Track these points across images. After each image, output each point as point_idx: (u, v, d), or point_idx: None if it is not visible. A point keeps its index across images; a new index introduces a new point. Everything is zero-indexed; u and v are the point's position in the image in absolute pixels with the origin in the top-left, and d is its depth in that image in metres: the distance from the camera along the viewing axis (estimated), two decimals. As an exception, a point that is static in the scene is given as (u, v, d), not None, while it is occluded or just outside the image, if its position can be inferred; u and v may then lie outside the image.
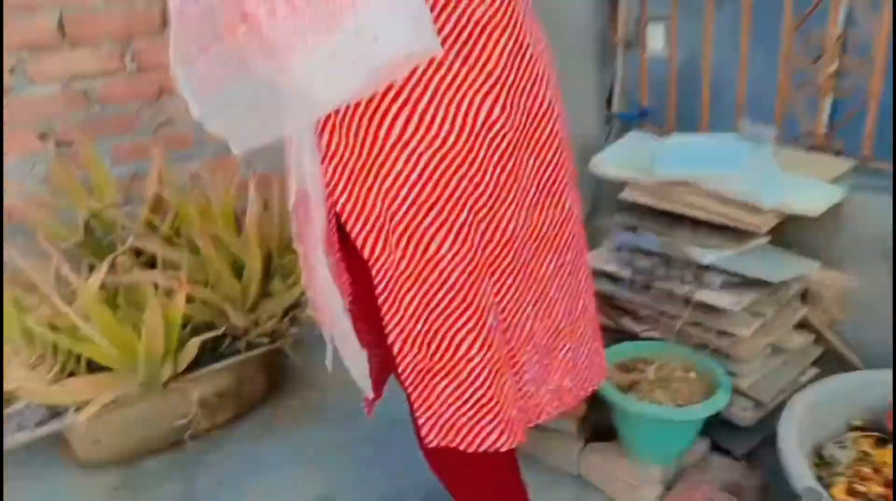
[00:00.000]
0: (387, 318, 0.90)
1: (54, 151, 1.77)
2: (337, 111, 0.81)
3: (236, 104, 0.80)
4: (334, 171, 0.84)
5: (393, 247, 0.85)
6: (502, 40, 0.82)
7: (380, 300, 0.89)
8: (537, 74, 0.88)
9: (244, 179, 1.96)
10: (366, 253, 0.86)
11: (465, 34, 0.79)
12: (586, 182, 1.96)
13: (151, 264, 1.73)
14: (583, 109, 1.91)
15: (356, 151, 0.82)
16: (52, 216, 1.76)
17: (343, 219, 0.86)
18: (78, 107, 1.81)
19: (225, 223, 1.74)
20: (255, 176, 1.89)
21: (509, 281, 0.91)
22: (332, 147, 0.83)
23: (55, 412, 1.47)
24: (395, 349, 0.91)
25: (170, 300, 1.49)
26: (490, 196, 0.85)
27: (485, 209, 0.85)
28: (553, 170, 0.93)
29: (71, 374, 1.48)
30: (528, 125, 0.89)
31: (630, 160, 1.55)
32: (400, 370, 0.92)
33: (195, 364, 1.58)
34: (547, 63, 0.91)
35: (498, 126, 0.83)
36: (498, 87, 0.82)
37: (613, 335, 1.51)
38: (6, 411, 1.45)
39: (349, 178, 0.84)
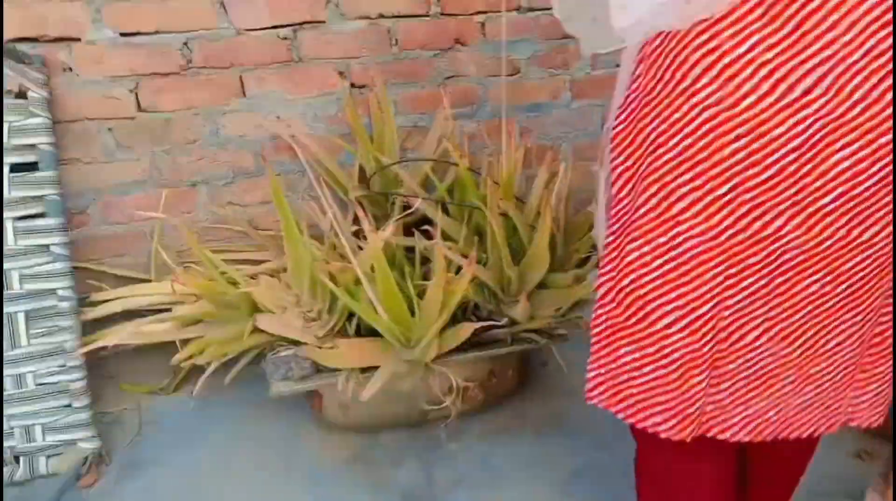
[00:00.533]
0: (604, 261, 0.86)
1: (347, 93, 1.68)
2: (651, 41, 0.78)
3: (586, 11, 0.80)
4: (626, 99, 0.82)
5: (638, 192, 0.80)
6: (866, 4, 0.67)
7: (606, 240, 0.86)
8: None
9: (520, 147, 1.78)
10: (614, 190, 0.84)
11: None
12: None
13: (419, 225, 1.60)
14: None
15: (650, 84, 0.78)
16: (334, 160, 1.69)
17: (612, 146, 0.84)
18: (377, 48, 1.70)
19: (507, 196, 1.55)
20: (552, 150, 1.69)
21: (746, 282, 0.78)
22: (636, 73, 0.81)
23: (319, 368, 1.39)
24: (599, 294, 0.87)
25: (454, 276, 1.33)
26: (764, 182, 0.73)
27: (752, 194, 0.73)
28: (876, 179, 0.73)
29: (340, 332, 1.39)
30: (864, 120, 0.70)
31: None
32: (594, 317, 0.89)
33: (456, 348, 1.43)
34: None
35: (812, 108, 0.69)
36: (832, 62, 0.68)
37: None
38: (275, 354, 1.39)
39: (631, 112, 0.81)
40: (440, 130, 1.74)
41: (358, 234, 1.61)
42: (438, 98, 1.78)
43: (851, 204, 0.74)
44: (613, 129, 0.83)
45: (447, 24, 1.73)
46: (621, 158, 0.82)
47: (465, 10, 1.73)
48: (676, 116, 0.74)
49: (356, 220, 1.65)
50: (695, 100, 0.73)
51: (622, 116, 0.82)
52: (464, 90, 1.82)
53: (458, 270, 1.39)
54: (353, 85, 1.71)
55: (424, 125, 1.79)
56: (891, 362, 0.89)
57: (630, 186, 0.82)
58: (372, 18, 1.66)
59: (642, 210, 0.80)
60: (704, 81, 0.72)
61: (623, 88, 0.83)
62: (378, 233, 1.36)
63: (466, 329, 1.36)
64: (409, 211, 1.42)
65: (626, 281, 0.83)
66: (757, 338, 0.81)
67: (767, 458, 1.06)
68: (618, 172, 0.83)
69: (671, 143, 0.75)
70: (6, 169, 1.42)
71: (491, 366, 1.53)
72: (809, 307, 0.80)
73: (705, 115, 0.72)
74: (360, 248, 1.48)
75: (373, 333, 1.39)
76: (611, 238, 0.85)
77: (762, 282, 0.78)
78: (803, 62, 0.68)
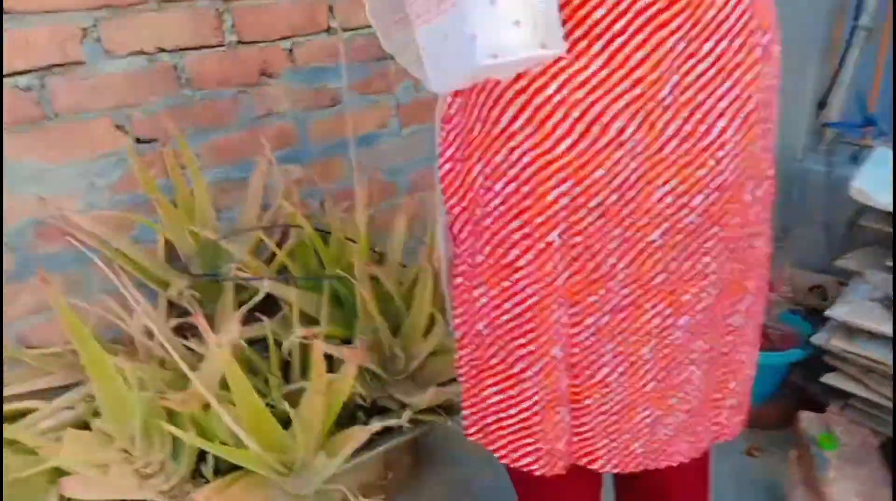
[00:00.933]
0: (455, 303, 0.84)
1: (133, 150, 1.29)
2: None
3: (413, 50, 0.70)
4: (447, 135, 0.77)
5: (475, 237, 0.78)
6: (669, 41, 0.65)
7: (455, 281, 0.84)
8: (719, 90, 0.69)
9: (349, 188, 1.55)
10: (454, 230, 0.81)
11: (616, 26, 0.64)
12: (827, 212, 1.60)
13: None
14: (787, 112, 1.60)
15: (469, 121, 0.73)
16: (128, 240, 1.29)
17: (443, 186, 0.79)
18: (163, 91, 1.32)
19: (367, 254, 1.29)
20: (410, 198, 1.46)
21: (590, 320, 0.78)
22: (452, 110, 0.76)
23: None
24: (457, 335, 0.86)
25: (334, 376, 1.04)
26: (591, 224, 0.72)
27: (581, 237, 0.73)
28: (699, 212, 0.74)
29: (193, 476, 1.03)
30: (678, 155, 0.70)
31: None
32: (457, 358, 0.88)
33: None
34: (755, 73, 0.70)
35: (628, 147, 0.68)
36: (642, 101, 0.66)
37: (886, 418, 1.27)
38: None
39: (456, 149, 0.76)
40: (262, 182, 1.42)
41: (180, 331, 1.24)
42: (249, 143, 1.46)
43: (679, 237, 0.73)
44: (440, 166, 0.79)
45: (248, 53, 1.41)
46: (455, 199, 0.79)
47: (267, 36, 1.43)
48: (497, 159, 0.71)
49: (170, 309, 1.29)
50: (512, 144, 0.69)
51: (447, 153, 0.78)
52: (279, 130, 1.51)
53: (329, 358, 1.11)
54: (138, 140, 1.32)
55: (239, 178, 1.46)
56: (740, 374, 0.90)
57: (469, 228, 0.79)
58: (149, 53, 1.29)
59: (481, 256, 0.77)
60: (519, 123, 0.68)
61: (440, 121, 0.78)
62: (221, 335, 1.02)
63: (359, 435, 1.08)
64: (256, 298, 1.10)
65: (480, 325, 0.81)
66: (608, 375, 0.82)
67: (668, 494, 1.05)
68: (454, 214, 0.79)
69: (497, 188, 0.72)
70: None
71: (385, 459, 1.26)
72: (654, 342, 0.80)
73: (525, 160, 0.69)
74: (191, 351, 1.13)
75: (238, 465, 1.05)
76: (459, 279, 0.82)
77: (605, 319, 0.78)
78: (615, 101, 0.66)
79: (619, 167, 0.69)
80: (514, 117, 0.68)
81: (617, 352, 0.81)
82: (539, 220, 0.71)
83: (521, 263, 0.74)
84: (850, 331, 1.35)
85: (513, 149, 0.69)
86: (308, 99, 1.53)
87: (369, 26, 1.56)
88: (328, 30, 1.51)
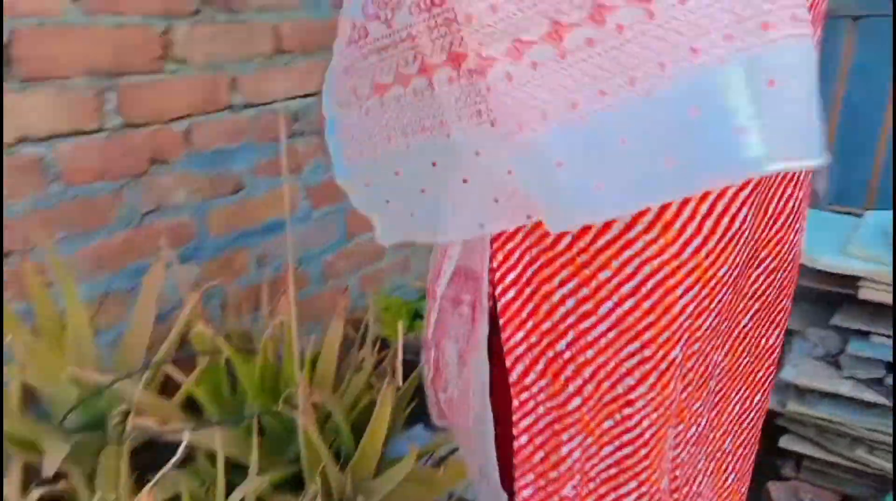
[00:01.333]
0: (523, 468, 0.68)
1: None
2: None
3: (394, 179, 0.60)
4: (506, 255, 0.63)
5: (561, 377, 0.65)
6: None
7: (521, 440, 0.68)
8: None
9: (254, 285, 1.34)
10: (514, 375, 0.66)
11: None
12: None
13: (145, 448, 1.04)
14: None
15: (548, 238, 0.61)
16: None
17: (502, 322, 0.65)
18: (27, 187, 1.05)
19: (306, 377, 1.07)
20: (341, 295, 1.25)
21: (692, 431, 0.70)
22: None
23: None
24: None
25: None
26: (709, 326, 0.63)
27: (698, 345, 0.63)
28: (777, 286, 0.73)
29: None
30: (776, 234, 0.69)
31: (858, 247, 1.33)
32: None
33: None
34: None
35: (746, 236, 0.61)
36: (766, 183, 0.62)
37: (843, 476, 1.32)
38: None
39: (523, 271, 0.63)
40: (155, 291, 1.17)
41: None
42: (137, 244, 1.21)
43: (763, 314, 0.73)
44: (499, 297, 0.64)
45: (135, 138, 1.17)
46: (521, 335, 0.64)
47: (160, 117, 1.20)
48: (605, 275, 0.59)
49: (27, 476, 1.00)
50: (629, 253, 0.59)
51: (508, 277, 0.63)
52: (173, 226, 1.27)
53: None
54: (-10, 253, 1.03)
55: (123, 288, 1.19)
56: None
57: (539, 367, 0.65)
58: (8, 144, 1.02)
59: (578, 399, 0.64)
60: (638, 229, 0.58)
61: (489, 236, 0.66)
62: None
63: None
64: (179, 457, 0.84)
65: (567, 489, 0.67)
66: (695, 481, 0.75)
67: None
68: (517, 354, 0.65)
69: (602, 310, 0.61)
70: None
71: None
72: (734, 430, 0.77)
73: (645, 270, 0.59)
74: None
75: None
76: (525, 438, 0.67)
77: (701, 424, 0.71)
78: (742, 188, 0.59)
79: (738, 259, 0.62)
80: (631, 224, 0.58)
81: (709, 452, 0.76)
82: (664, 337, 0.61)
83: (638, 392, 0.63)
84: (801, 392, 1.36)
85: (628, 260, 0.59)
86: (208, 187, 1.31)
87: (275, 101, 1.40)
88: (230, 107, 1.31)
